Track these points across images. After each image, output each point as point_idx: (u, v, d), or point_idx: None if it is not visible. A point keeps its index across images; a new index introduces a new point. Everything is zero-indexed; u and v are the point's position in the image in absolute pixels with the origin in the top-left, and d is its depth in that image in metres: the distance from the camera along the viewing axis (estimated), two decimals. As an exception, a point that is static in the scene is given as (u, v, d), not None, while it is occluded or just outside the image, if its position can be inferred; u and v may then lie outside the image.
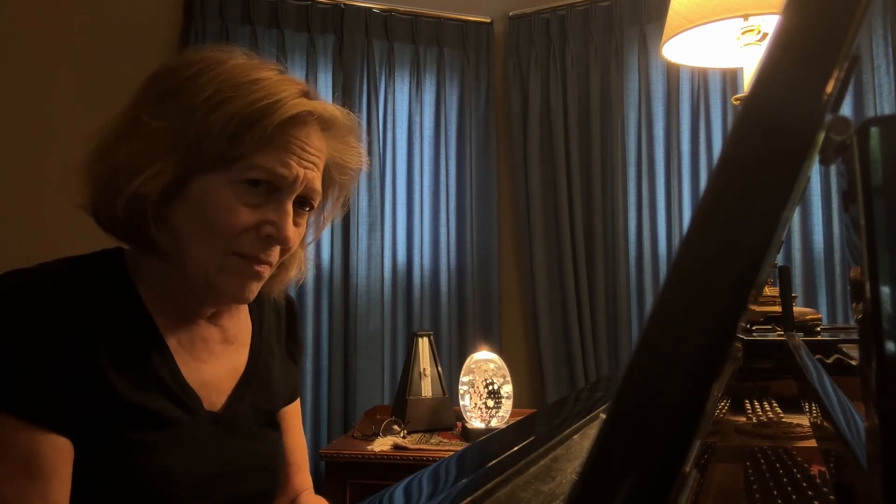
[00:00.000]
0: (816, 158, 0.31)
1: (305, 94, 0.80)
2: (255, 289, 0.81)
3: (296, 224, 0.81)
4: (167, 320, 0.81)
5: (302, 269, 0.92)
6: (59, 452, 0.71)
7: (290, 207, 0.79)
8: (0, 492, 0.69)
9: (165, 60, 0.81)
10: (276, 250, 0.80)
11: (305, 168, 0.78)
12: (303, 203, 0.82)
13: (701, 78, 2.58)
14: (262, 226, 0.77)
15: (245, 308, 0.94)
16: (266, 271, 0.80)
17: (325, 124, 0.82)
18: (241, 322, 0.92)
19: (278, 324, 0.99)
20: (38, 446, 0.70)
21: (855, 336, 1.03)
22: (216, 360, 0.86)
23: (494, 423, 2.07)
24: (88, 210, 0.80)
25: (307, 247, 0.93)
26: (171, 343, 0.81)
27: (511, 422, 1.81)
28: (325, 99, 0.83)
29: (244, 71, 0.77)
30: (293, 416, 1.01)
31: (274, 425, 0.93)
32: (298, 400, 1.03)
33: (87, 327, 0.74)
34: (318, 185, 0.82)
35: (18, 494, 0.69)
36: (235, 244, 0.77)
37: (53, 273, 0.76)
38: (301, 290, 2.54)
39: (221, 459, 0.82)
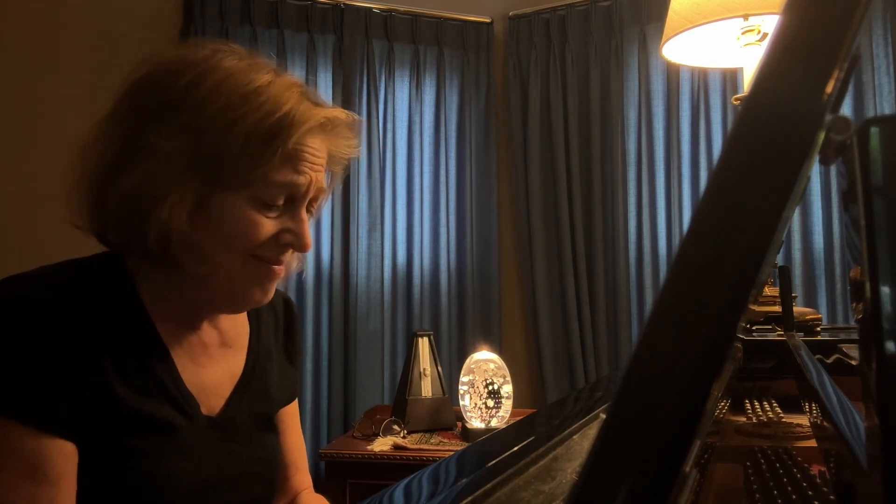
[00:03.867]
0: (816, 158, 0.31)
1: (305, 96, 0.80)
2: (273, 289, 0.84)
3: None
4: (168, 324, 0.81)
5: (301, 260, 0.93)
6: (65, 458, 0.71)
7: (304, 214, 0.81)
8: (8, 498, 0.69)
9: (143, 67, 0.78)
10: (291, 252, 0.83)
11: (316, 172, 0.80)
12: (310, 202, 0.83)
13: (701, 78, 2.58)
14: (282, 234, 0.80)
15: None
16: (282, 272, 0.83)
17: (328, 125, 0.82)
18: (238, 325, 0.92)
19: (276, 326, 0.99)
20: (44, 452, 0.70)
21: (855, 336, 1.03)
22: (215, 365, 0.86)
23: (494, 423, 2.07)
24: (89, 231, 0.79)
25: None
26: (172, 347, 0.81)
27: (511, 422, 1.81)
28: (324, 97, 0.84)
29: (243, 77, 0.76)
30: (291, 417, 1.00)
31: (272, 429, 0.93)
32: (296, 400, 1.02)
33: (90, 332, 0.74)
34: (324, 183, 0.84)
35: (26, 500, 0.69)
36: (255, 251, 0.79)
37: (56, 278, 0.75)
38: (301, 290, 2.54)
39: (219, 464, 0.82)
